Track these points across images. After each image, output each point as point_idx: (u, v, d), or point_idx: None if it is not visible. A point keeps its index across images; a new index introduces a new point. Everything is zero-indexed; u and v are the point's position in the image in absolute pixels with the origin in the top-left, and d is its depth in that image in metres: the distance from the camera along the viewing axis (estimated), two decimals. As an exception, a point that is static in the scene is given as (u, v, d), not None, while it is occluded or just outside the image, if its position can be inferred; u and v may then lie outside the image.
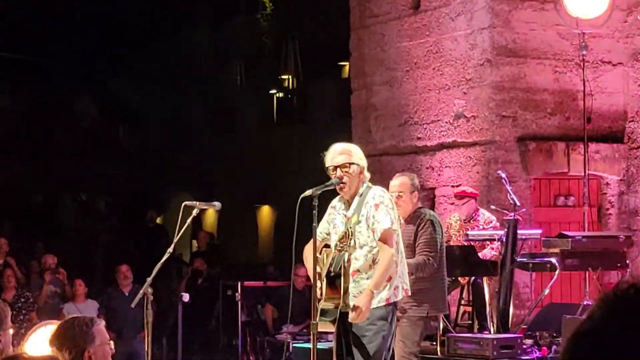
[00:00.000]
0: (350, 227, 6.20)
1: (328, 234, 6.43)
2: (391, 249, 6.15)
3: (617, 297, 1.79)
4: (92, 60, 22.57)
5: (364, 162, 6.33)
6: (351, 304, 6.15)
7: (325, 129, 14.68)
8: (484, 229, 9.80)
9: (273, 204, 21.71)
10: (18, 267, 13.01)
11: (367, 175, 6.34)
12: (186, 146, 23.16)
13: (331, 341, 6.68)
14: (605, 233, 10.93)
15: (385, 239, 6.16)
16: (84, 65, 22.49)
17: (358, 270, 6.20)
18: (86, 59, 22.43)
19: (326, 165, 6.30)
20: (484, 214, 9.98)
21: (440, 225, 7.67)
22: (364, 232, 6.15)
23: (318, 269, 6.20)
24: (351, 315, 6.11)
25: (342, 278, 6.16)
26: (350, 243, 5.96)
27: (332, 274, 6.16)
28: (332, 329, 6.39)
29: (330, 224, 6.42)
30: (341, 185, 6.23)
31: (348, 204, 6.34)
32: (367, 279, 6.17)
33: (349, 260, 6.11)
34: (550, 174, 11.52)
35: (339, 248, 6.02)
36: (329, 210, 6.46)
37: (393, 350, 6.83)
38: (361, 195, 6.27)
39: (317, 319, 6.18)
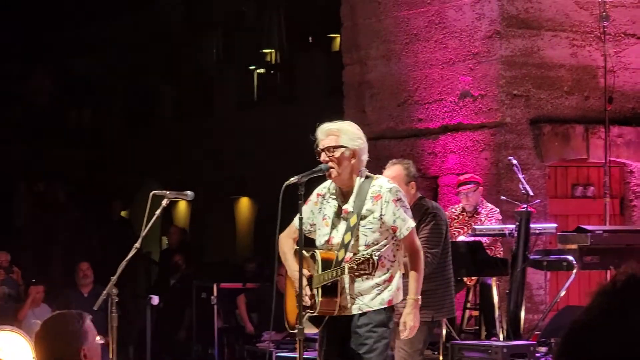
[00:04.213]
0: (355, 229, 6.09)
1: (312, 225, 6.32)
2: (420, 248, 6.30)
3: (616, 289, 1.81)
4: (49, 34, 22.46)
5: (356, 143, 6.19)
6: (353, 307, 6.12)
7: (313, 109, 14.63)
8: (487, 221, 9.80)
9: (253, 194, 21.71)
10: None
11: (364, 159, 6.21)
12: (155, 128, 23.12)
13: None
14: (628, 227, 10.98)
15: (412, 238, 6.24)
16: (41, 39, 22.39)
17: None
18: (43, 33, 22.32)
19: (316, 148, 6.22)
20: (487, 206, 10.00)
21: (444, 218, 7.70)
22: (375, 228, 6.09)
23: (307, 272, 6.13)
24: (404, 333, 6.27)
25: (338, 279, 6.08)
26: (366, 264, 5.82)
27: (329, 284, 6.08)
28: (316, 330, 6.37)
29: (316, 215, 6.30)
30: (330, 171, 6.13)
31: (341, 193, 6.24)
32: (370, 279, 6.14)
33: (348, 259, 6.03)
34: (567, 161, 11.56)
35: (356, 273, 5.88)
36: (315, 198, 6.33)
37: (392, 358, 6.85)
38: (359, 188, 6.16)
39: (303, 324, 6.17)
